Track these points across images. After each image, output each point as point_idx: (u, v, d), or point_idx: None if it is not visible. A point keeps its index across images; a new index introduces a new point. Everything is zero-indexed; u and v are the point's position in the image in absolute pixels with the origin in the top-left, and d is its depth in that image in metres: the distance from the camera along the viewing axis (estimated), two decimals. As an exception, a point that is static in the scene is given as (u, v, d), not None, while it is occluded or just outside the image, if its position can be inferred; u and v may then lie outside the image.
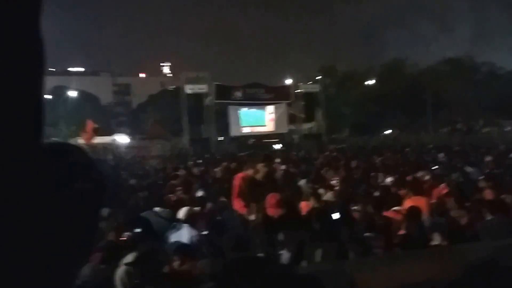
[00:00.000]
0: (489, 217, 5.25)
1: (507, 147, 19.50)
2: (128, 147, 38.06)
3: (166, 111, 46.54)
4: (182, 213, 5.82)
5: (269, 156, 6.35)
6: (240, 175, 6.01)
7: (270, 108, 38.89)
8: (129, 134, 46.90)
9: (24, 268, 0.56)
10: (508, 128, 37.47)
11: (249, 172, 5.87)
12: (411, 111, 41.58)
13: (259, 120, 38.74)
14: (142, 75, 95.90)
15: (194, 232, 5.56)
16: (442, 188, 7.69)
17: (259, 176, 5.65)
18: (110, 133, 43.05)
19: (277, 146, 33.65)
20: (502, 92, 37.97)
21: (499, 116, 38.18)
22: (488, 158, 13.85)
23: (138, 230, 5.69)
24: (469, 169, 11.04)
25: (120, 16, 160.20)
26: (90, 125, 23.72)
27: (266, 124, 39.10)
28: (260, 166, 5.66)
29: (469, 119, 42.06)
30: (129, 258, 4.31)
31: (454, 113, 41.71)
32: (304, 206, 6.75)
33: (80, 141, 25.60)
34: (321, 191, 8.35)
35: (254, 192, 5.52)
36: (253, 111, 38.49)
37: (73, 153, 0.71)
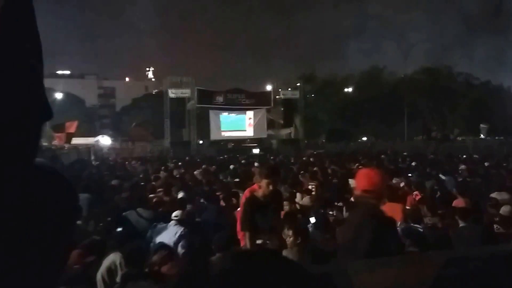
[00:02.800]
0: (461, 224, 5.41)
1: (481, 156, 20.01)
2: (111, 148, 37.86)
3: (149, 114, 46.72)
4: (175, 214, 5.91)
5: (275, 170, 4.94)
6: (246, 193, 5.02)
7: (250, 113, 39.16)
8: (112, 136, 46.73)
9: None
10: (482, 137, 38.30)
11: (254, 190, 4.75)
12: (387, 119, 42.09)
13: (239, 125, 38.96)
14: (127, 79, 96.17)
15: (184, 232, 5.69)
16: (416, 195, 7.93)
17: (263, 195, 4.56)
18: (94, 134, 42.89)
19: (256, 151, 33.90)
20: (477, 101, 38.81)
21: (473, 125, 38.88)
22: (462, 167, 14.12)
23: (120, 229, 5.80)
24: (443, 177, 11.20)
25: (107, 21, 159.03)
26: (68, 127, 23.69)
27: (246, 129, 39.39)
28: (264, 182, 4.52)
29: (444, 127, 42.75)
30: (112, 257, 4.42)
31: (429, 122, 42.32)
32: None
33: (57, 142, 25.58)
34: (298, 195, 8.56)
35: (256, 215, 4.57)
36: (233, 116, 38.72)
37: (52, 175, 0.73)
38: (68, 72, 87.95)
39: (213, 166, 17.06)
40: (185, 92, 35.79)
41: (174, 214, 5.90)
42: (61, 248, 0.72)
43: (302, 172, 12.82)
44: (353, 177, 11.49)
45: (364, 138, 45.83)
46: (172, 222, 5.81)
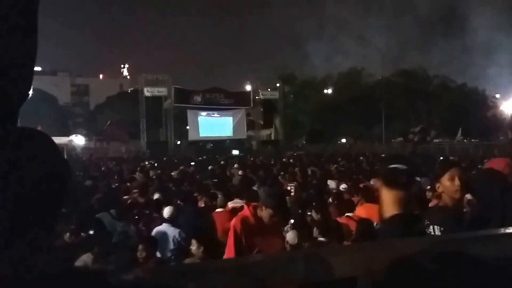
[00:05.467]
0: None
1: (457, 158, 20.29)
2: (85, 148, 37.16)
3: (124, 113, 45.90)
4: (166, 212, 6.02)
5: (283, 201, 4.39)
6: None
7: (230, 119, 38.91)
8: (86, 135, 45.89)
9: None
10: (459, 140, 38.92)
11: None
12: (366, 121, 42.33)
13: (218, 127, 38.59)
14: (101, 76, 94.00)
15: (176, 231, 5.81)
16: None
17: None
18: (67, 133, 41.93)
19: (235, 152, 33.75)
20: (453, 104, 39.40)
21: (450, 128, 39.50)
22: None
23: (92, 231, 5.75)
24: (419, 178, 11.36)
25: (80, 15, 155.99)
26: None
27: (225, 130, 39.10)
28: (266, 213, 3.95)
29: (421, 130, 43.39)
30: (83, 259, 4.30)
31: (407, 124, 42.87)
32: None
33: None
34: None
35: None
36: (212, 119, 38.43)
37: (39, 139, 0.74)
38: (39, 68, 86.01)
39: (191, 167, 16.92)
40: (161, 91, 35.41)
41: (165, 213, 6.00)
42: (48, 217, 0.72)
43: (281, 173, 12.79)
44: (332, 178, 11.61)
45: (343, 140, 46.12)
46: (165, 224, 5.92)
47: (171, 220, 6.00)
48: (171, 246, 5.80)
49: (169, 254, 5.72)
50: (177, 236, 5.83)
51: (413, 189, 2.48)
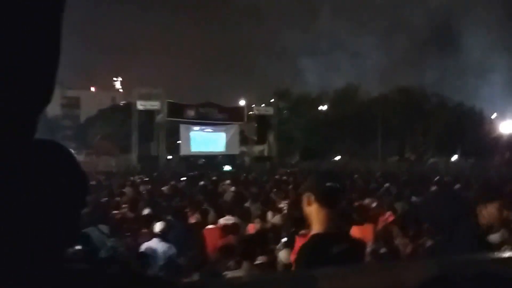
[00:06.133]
0: (429, 243, 5.35)
1: (453, 178, 20.24)
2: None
3: (116, 127, 45.49)
4: (157, 227, 5.94)
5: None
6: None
7: (223, 134, 38.71)
8: (76, 148, 45.40)
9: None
10: (455, 159, 38.91)
11: None
12: (361, 138, 42.16)
13: (211, 142, 38.37)
14: (92, 88, 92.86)
15: (166, 246, 5.73)
16: (388, 216, 7.82)
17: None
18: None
19: (228, 167, 33.57)
20: (450, 123, 39.28)
21: (446, 147, 39.50)
22: (433, 188, 13.98)
23: (79, 246, 5.45)
24: (414, 198, 11.17)
25: (72, 25, 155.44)
26: None
27: (217, 146, 38.85)
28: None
29: (417, 148, 43.34)
30: None
31: (403, 142, 42.79)
32: (251, 228, 6.78)
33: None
34: (269, 214, 8.36)
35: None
36: (205, 134, 38.23)
37: (58, 150, 0.74)
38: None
39: (182, 182, 16.75)
40: (154, 105, 35.13)
41: (156, 228, 5.93)
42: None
43: (274, 190, 12.67)
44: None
45: (338, 157, 45.96)
46: (155, 239, 5.82)
47: (161, 236, 5.88)
48: (161, 262, 5.62)
49: (158, 270, 5.60)
50: (167, 252, 5.71)
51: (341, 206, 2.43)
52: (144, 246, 5.82)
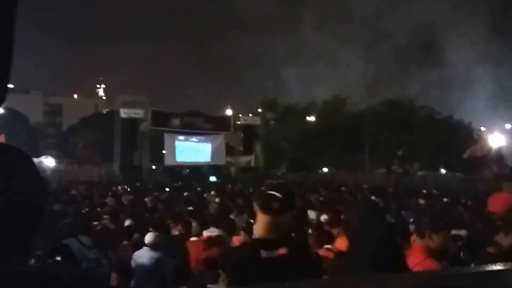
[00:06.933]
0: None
1: (441, 191, 20.33)
2: (55, 171, 36.03)
3: (98, 135, 44.65)
4: (147, 238, 5.98)
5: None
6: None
7: (209, 144, 38.31)
8: (57, 157, 44.65)
9: None
10: (442, 172, 39.05)
11: None
12: (349, 150, 41.95)
13: (196, 152, 38.00)
14: (75, 95, 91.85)
15: (156, 256, 5.81)
16: None
17: None
18: (37, 155, 40.66)
19: (213, 178, 33.29)
20: (438, 136, 39.26)
21: (434, 160, 39.70)
22: (421, 201, 14.12)
23: (58, 258, 5.49)
24: (402, 211, 11.07)
25: (55, 31, 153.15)
26: None
27: (203, 156, 38.44)
28: None
29: (405, 161, 43.44)
30: None
31: (390, 155, 42.82)
32: (236, 241, 6.60)
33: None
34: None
35: None
36: (190, 144, 37.85)
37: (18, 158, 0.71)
38: (11, 86, 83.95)
39: (166, 193, 16.52)
40: (138, 113, 34.43)
41: (147, 239, 5.97)
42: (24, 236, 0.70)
43: (260, 201, 12.46)
44: (312, 208, 11.34)
45: (325, 169, 45.88)
46: (145, 248, 5.89)
47: (152, 247, 5.93)
48: (151, 271, 5.78)
49: (147, 281, 5.53)
50: (159, 261, 5.82)
51: (287, 217, 2.54)
52: (135, 255, 5.93)
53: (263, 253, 2.41)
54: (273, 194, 2.50)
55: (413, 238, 6.16)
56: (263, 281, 2.25)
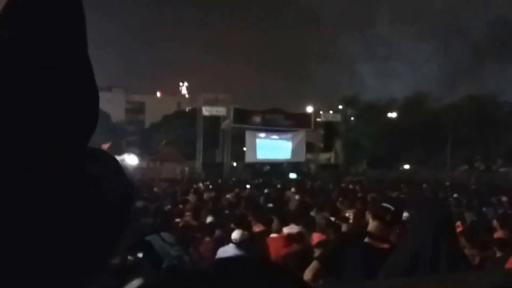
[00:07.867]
0: (499, 254, 5.45)
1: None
2: (138, 168, 37.32)
3: (181, 133, 45.80)
4: (234, 234, 5.94)
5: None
6: None
7: (289, 141, 38.09)
8: (139, 154, 46.03)
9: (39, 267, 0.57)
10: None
11: None
12: (430, 147, 41.09)
13: (276, 149, 38.07)
14: (158, 93, 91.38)
15: (241, 253, 5.68)
16: (457, 226, 7.48)
17: None
18: (119, 152, 42.33)
19: (293, 175, 33.16)
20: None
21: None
22: (504, 198, 13.88)
23: (140, 254, 5.57)
24: (484, 208, 11.03)
25: (139, 29, 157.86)
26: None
27: (283, 153, 38.28)
28: None
29: (488, 158, 41.54)
30: (135, 283, 4.00)
31: (472, 152, 41.19)
32: (316, 238, 6.56)
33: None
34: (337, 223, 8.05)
35: None
36: (271, 141, 37.96)
37: (107, 160, 0.71)
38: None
39: (247, 190, 16.65)
40: (220, 111, 35.04)
41: (233, 236, 5.95)
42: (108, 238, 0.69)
43: (340, 199, 12.36)
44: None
45: (406, 166, 44.78)
46: (231, 245, 5.85)
47: (238, 244, 5.82)
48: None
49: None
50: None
51: (394, 228, 3.07)
52: (220, 251, 5.86)
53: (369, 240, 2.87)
54: (388, 207, 2.85)
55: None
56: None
